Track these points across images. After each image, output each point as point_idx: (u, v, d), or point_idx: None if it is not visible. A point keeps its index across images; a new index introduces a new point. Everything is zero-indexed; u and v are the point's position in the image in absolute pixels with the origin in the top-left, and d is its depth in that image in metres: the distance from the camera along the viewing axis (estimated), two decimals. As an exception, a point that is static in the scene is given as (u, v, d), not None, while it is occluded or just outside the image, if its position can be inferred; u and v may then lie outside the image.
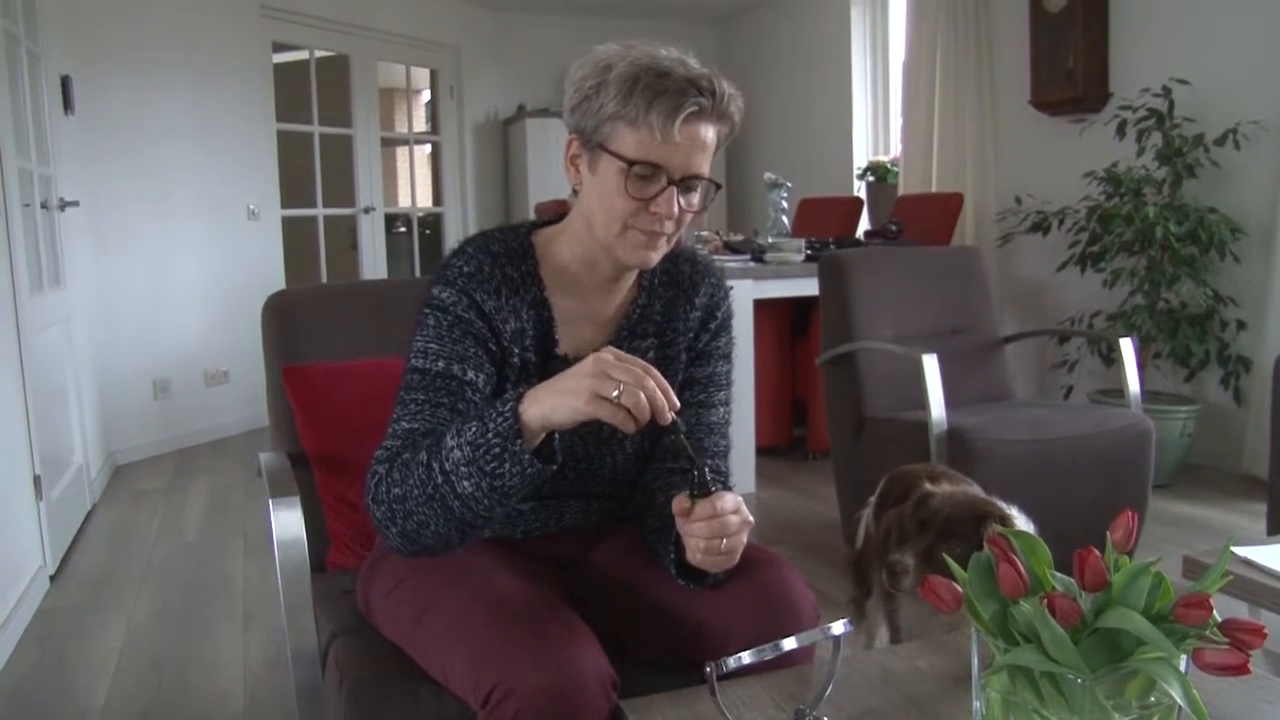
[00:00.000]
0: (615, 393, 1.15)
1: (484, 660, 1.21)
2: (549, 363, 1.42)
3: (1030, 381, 5.14)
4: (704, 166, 1.34)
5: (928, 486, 1.78)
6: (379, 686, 1.38)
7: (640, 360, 1.20)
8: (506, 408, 1.20)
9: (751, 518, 1.28)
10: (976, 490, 1.86)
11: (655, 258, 1.38)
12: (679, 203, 1.34)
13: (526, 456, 1.19)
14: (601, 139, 1.32)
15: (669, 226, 1.35)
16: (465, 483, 1.22)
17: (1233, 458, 4.19)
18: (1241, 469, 4.10)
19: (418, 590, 1.40)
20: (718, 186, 1.41)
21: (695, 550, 1.26)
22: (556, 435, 1.23)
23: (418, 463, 1.26)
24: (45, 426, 3.43)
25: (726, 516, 1.24)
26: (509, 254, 1.41)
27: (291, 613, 1.51)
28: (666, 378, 1.47)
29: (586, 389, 1.16)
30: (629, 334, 1.49)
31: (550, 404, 1.18)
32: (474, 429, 1.21)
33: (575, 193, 1.41)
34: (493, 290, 1.37)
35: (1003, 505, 1.73)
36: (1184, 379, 4.30)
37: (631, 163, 1.30)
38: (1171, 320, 4.14)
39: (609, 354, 1.18)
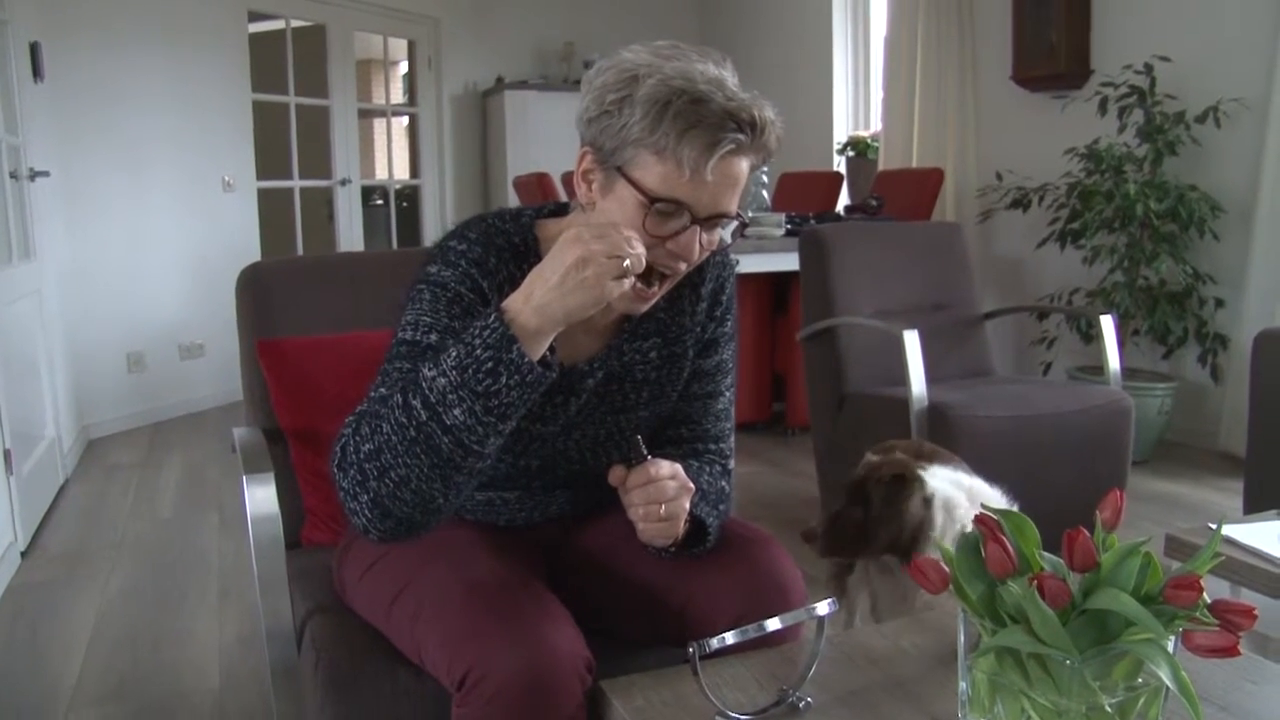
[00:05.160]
0: (626, 264, 1.09)
1: (458, 644, 1.19)
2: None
3: (1009, 358, 5.15)
4: (733, 204, 1.22)
5: (872, 458, 1.78)
6: (355, 666, 1.36)
7: (601, 222, 1.16)
8: (490, 319, 1.12)
9: (692, 484, 1.24)
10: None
11: (644, 308, 1.29)
12: (700, 241, 1.22)
13: (525, 362, 1.10)
14: (621, 162, 1.19)
15: (682, 267, 1.24)
16: (455, 410, 1.11)
17: (1209, 435, 4.21)
18: (1218, 446, 4.13)
19: (392, 572, 1.36)
20: (745, 225, 1.29)
21: (636, 521, 1.23)
22: (553, 344, 1.16)
23: (392, 406, 1.15)
24: (15, 400, 3.37)
25: (663, 481, 1.20)
26: (513, 249, 1.30)
27: (266, 590, 1.48)
28: (670, 377, 1.44)
29: (594, 281, 1.09)
30: (630, 336, 1.39)
31: (554, 307, 1.11)
32: (457, 352, 1.12)
33: (582, 208, 1.29)
34: (497, 286, 1.28)
35: (922, 471, 1.72)
36: (1162, 356, 4.31)
37: (654, 199, 1.18)
38: (1150, 298, 4.15)
39: (585, 233, 1.11)
